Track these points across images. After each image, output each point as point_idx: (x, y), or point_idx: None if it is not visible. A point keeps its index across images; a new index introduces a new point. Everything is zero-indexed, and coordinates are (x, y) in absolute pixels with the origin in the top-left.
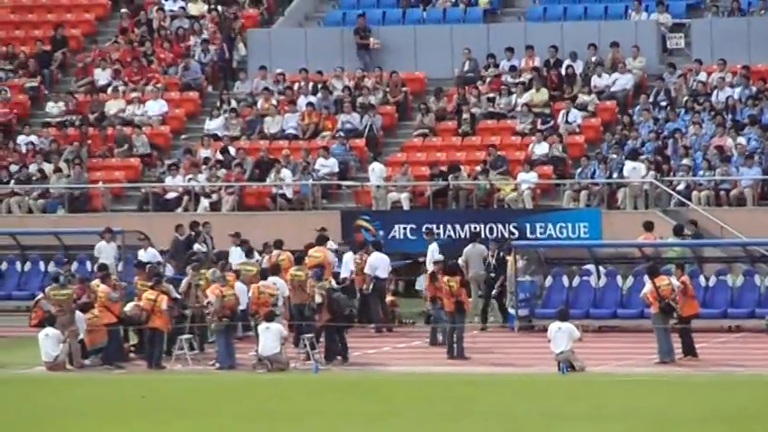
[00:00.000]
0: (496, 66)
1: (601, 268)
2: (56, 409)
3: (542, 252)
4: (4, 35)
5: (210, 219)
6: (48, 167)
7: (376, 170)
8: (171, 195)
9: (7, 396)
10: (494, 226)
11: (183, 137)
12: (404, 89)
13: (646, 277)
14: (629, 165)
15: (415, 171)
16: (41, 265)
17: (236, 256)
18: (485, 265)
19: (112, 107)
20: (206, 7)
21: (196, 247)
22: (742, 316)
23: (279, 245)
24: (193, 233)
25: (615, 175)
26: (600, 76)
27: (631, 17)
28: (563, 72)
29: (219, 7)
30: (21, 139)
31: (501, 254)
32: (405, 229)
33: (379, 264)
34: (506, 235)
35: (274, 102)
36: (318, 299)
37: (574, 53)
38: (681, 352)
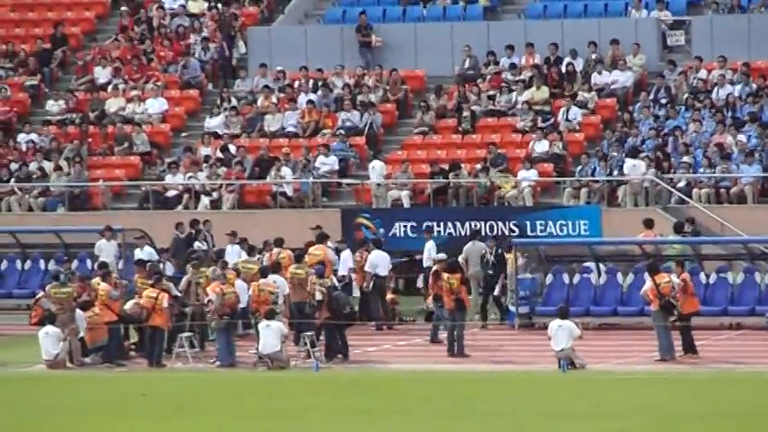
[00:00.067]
0: (497, 63)
1: (601, 266)
2: (56, 408)
3: (543, 249)
4: (4, 33)
5: (211, 217)
6: (48, 166)
7: (376, 168)
8: (171, 193)
9: (7, 394)
10: (494, 224)
11: (183, 135)
12: (404, 87)
13: (646, 275)
14: (629, 162)
15: (416, 169)
16: (42, 263)
17: (233, 255)
18: (483, 263)
19: (113, 105)
20: (206, 5)
21: (196, 245)
22: (742, 313)
23: (279, 243)
24: (194, 231)
25: (615, 172)
26: (600, 73)
27: (631, 14)
28: (563, 69)
29: (219, 5)
30: (21, 137)
31: (500, 251)
32: (405, 226)
33: (379, 261)
34: (507, 232)
35: (274, 100)
36: (319, 296)
37: (574, 51)
38: (681, 349)
